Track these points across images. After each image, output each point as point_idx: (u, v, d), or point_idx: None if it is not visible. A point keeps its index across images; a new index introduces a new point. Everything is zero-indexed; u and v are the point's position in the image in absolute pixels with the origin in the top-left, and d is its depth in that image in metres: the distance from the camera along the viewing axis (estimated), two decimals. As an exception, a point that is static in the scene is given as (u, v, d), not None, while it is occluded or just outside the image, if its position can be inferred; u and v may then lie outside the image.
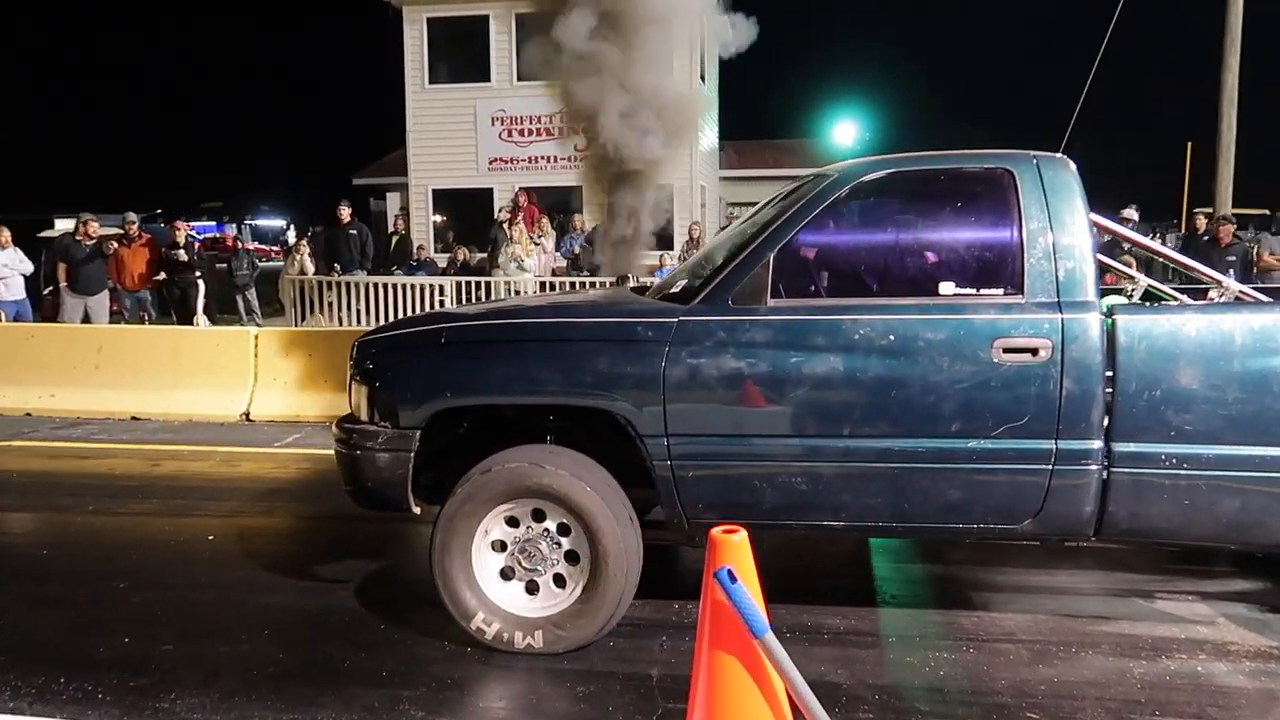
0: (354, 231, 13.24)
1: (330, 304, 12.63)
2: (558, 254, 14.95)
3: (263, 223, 49.92)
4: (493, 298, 12.87)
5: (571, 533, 3.43)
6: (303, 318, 12.58)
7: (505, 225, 14.67)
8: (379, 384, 3.67)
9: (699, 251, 4.86)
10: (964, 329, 3.28)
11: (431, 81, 18.10)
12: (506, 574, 3.51)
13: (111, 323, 11.27)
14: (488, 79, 17.94)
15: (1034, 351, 3.23)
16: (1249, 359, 3.19)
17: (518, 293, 12.83)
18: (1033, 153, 3.54)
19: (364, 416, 3.70)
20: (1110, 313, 3.26)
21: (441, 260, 16.72)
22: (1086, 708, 3.06)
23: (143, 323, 11.69)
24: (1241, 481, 3.22)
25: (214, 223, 43.99)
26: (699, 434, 3.38)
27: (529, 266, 13.26)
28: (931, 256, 3.57)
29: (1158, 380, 3.22)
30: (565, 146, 17.72)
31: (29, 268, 11.20)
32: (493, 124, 17.92)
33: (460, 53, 18.08)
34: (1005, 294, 3.34)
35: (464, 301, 12.90)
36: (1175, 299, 4.41)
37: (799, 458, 3.35)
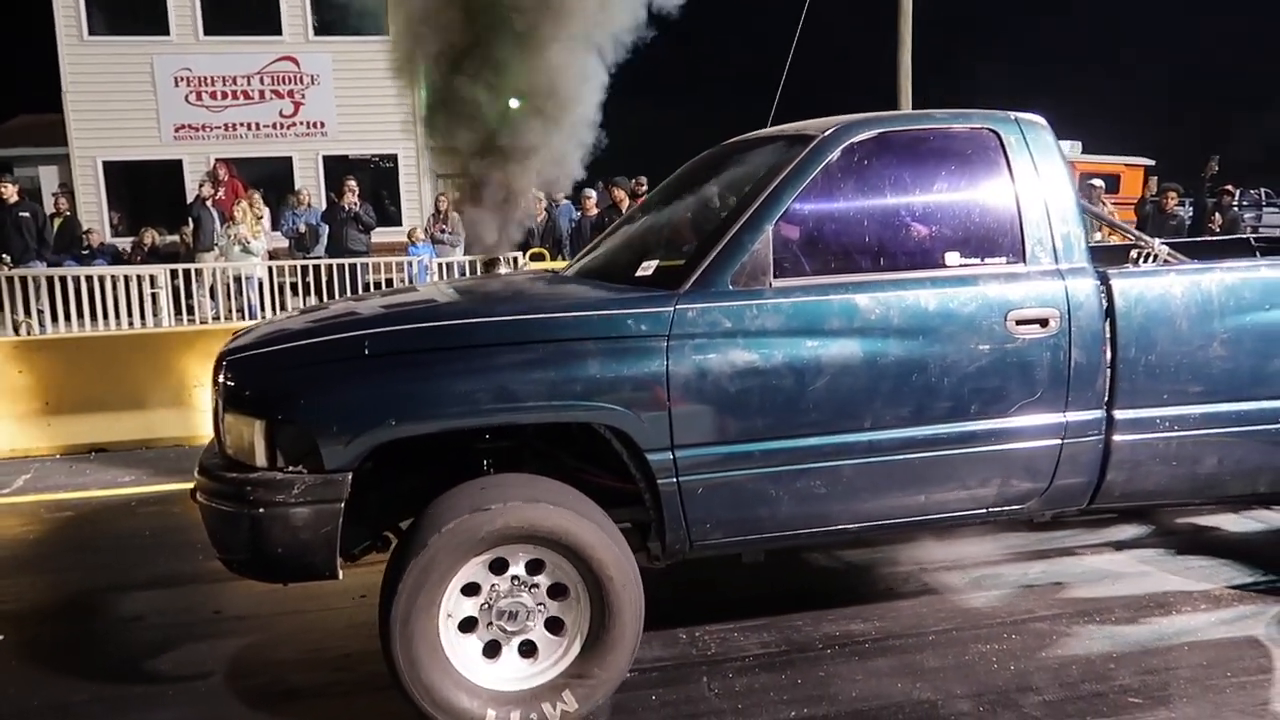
0: (25, 214, 10.83)
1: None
2: (278, 233, 13.32)
3: None
4: (211, 283, 11.15)
5: (546, 567, 2.79)
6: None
7: (208, 202, 12.82)
8: (283, 415, 2.73)
9: (630, 225, 4.20)
10: (980, 302, 3.05)
11: (92, 33, 15.30)
12: (491, 650, 2.80)
13: None
14: (166, 32, 15.48)
15: (1044, 322, 3.08)
16: (1230, 316, 3.26)
17: (247, 278, 11.22)
18: (1011, 112, 3.36)
19: (259, 460, 2.74)
20: (1105, 278, 3.18)
21: (123, 244, 14.35)
22: (1169, 682, 3.00)
23: None
24: (1220, 438, 3.29)
25: None
26: (711, 442, 2.88)
27: (256, 249, 11.64)
28: (933, 224, 3.27)
29: (1153, 343, 3.19)
30: (266, 111, 15.92)
31: None
32: (176, 84, 15.52)
33: (128, -1, 15.49)
34: (1009, 262, 3.15)
35: (186, 293, 11.06)
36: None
37: (821, 458, 2.96)
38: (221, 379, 2.88)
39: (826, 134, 3.18)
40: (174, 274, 11.11)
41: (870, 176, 3.24)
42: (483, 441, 3.01)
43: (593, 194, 11.52)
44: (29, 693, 3.17)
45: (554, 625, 2.82)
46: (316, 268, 11.53)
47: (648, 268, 3.23)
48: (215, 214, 12.80)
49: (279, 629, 3.63)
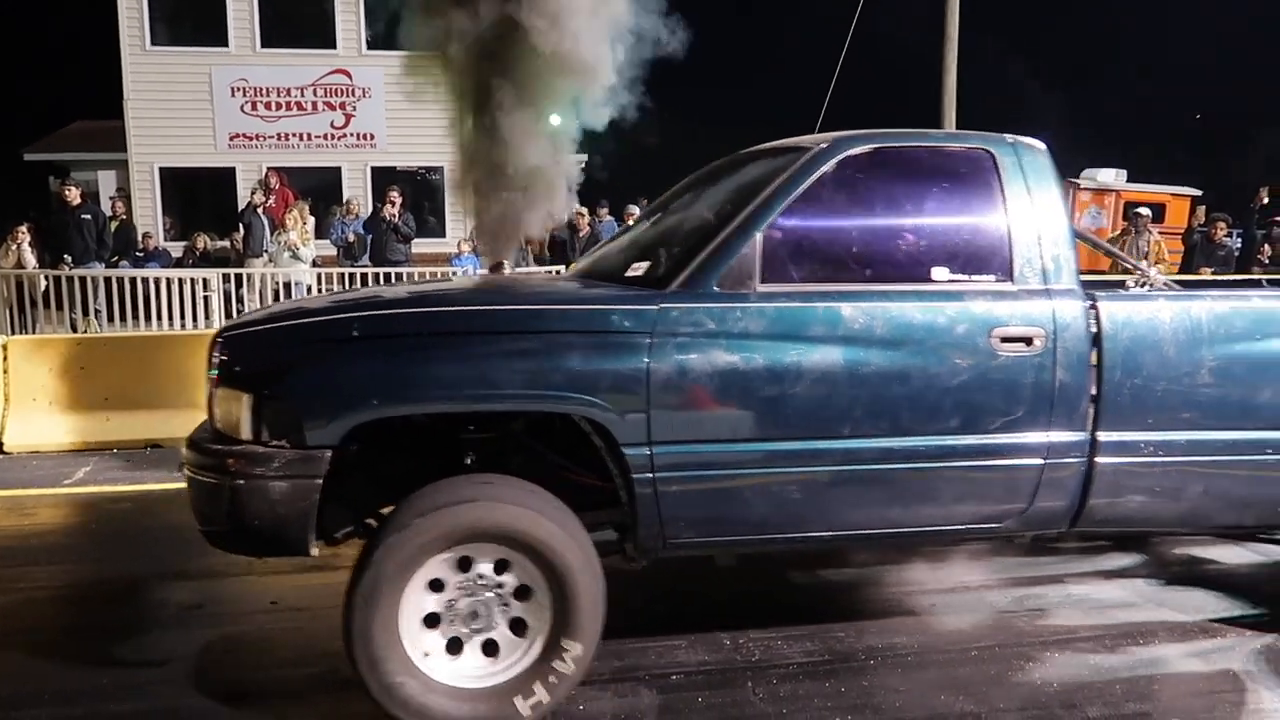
0: (87, 216, 11.16)
1: (56, 304, 10.55)
2: (324, 241, 13.58)
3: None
4: (260, 287, 11.41)
5: (512, 567, 2.84)
6: (25, 322, 10.41)
7: (260, 210, 13.11)
8: (269, 391, 2.81)
9: (631, 231, 4.35)
10: (965, 318, 3.10)
11: (154, 43, 15.75)
12: (453, 646, 2.85)
13: None
14: (225, 44, 15.90)
15: (1029, 341, 3.12)
16: (1219, 345, 3.25)
17: (295, 284, 11.47)
18: (1008, 136, 3.44)
19: (244, 435, 2.81)
20: (1093, 300, 3.22)
21: (176, 249, 14.69)
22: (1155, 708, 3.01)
23: None
24: (1207, 467, 3.29)
25: None
26: (689, 440, 2.93)
27: (305, 256, 11.89)
28: (922, 239, 3.33)
29: (1140, 367, 3.20)
30: (318, 123, 16.27)
31: None
32: (232, 95, 15.94)
33: (190, 11, 15.92)
34: (997, 280, 3.20)
35: (236, 298, 11.33)
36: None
37: (798, 463, 3.01)
38: (216, 355, 2.96)
39: (823, 146, 3.27)
40: (225, 278, 11.39)
41: (863, 190, 3.31)
42: (467, 433, 3.08)
43: (635, 209, 11.66)
44: (97, 671, 3.30)
45: (517, 625, 2.86)
46: (362, 276, 11.75)
47: (638, 268, 3.29)
48: (266, 221, 13.09)
49: (333, 620, 3.73)
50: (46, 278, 10.57)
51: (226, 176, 15.95)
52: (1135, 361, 3.19)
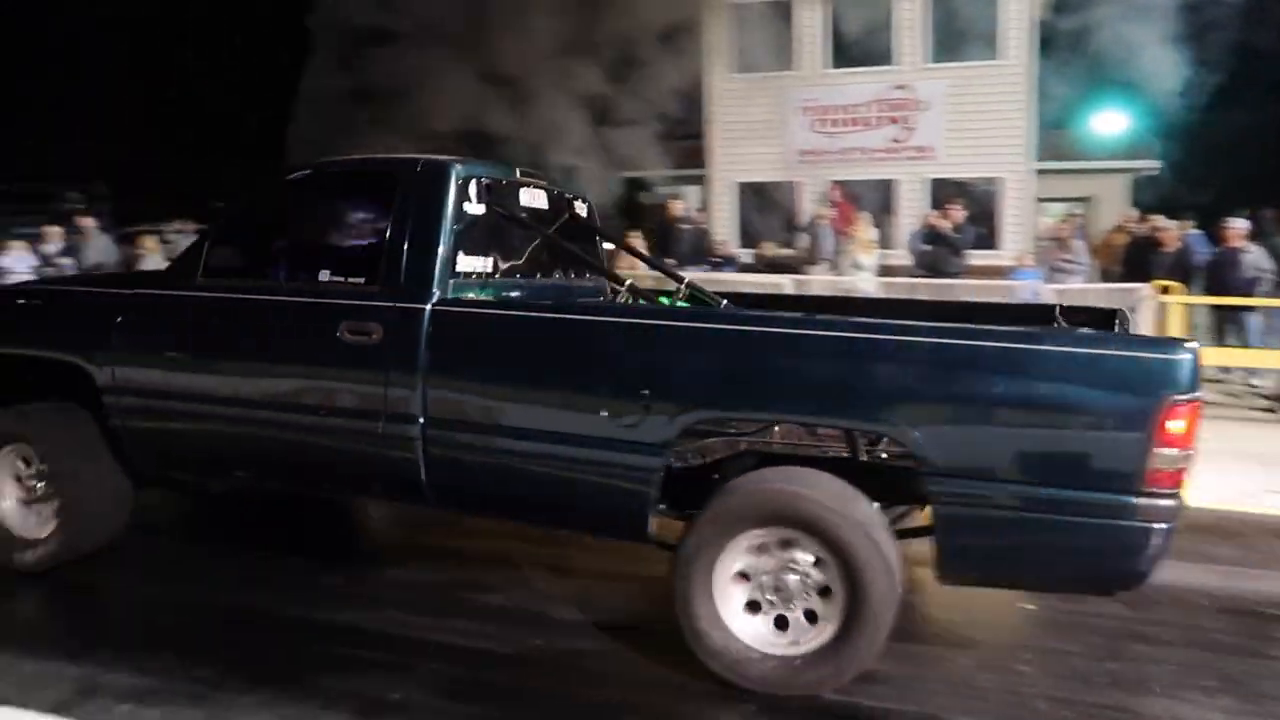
0: (687, 226, 12.93)
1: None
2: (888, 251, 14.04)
3: None
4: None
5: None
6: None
7: (823, 221, 13.99)
8: None
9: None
10: (320, 311, 3.83)
11: (736, 70, 17.62)
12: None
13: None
14: (796, 67, 17.24)
15: (370, 334, 3.70)
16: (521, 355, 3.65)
17: (861, 293, 12.08)
18: (425, 158, 3.92)
19: None
20: (438, 303, 3.67)
21: (744, 255, 16.27)
22: None
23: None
24: (523, 460, 3.58)
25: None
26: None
27: (866, 265, 12.47)
28: (323, 247, 4.07)
29: (462, 366, 3.68)
30: (878, 137, 16.87)
31: None
32: (802, 114, 17.22)
33: (766, 39, 17.50)
34: (365, 283, 3.81)
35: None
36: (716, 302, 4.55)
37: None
38: None
39: (292, 174, 4.27)
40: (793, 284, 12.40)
41: (295, 206, 4.24)
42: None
43: (1240, 223, 10.30)
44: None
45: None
46: (913, 287, 11.97)
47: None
48: (827, 232, 13.94)
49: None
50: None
51: (792, 190, 17.27)
52: (458, 360, 3.66)
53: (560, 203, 4.53)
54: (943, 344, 3.12)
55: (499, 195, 4.02)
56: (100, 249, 12.66)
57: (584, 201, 4.78)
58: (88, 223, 12.94)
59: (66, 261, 12.02)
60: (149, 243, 13.10)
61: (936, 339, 3.15)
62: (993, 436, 3.07)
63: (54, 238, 12.36)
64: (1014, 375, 3.02)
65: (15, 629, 3.90)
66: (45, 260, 11.85)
